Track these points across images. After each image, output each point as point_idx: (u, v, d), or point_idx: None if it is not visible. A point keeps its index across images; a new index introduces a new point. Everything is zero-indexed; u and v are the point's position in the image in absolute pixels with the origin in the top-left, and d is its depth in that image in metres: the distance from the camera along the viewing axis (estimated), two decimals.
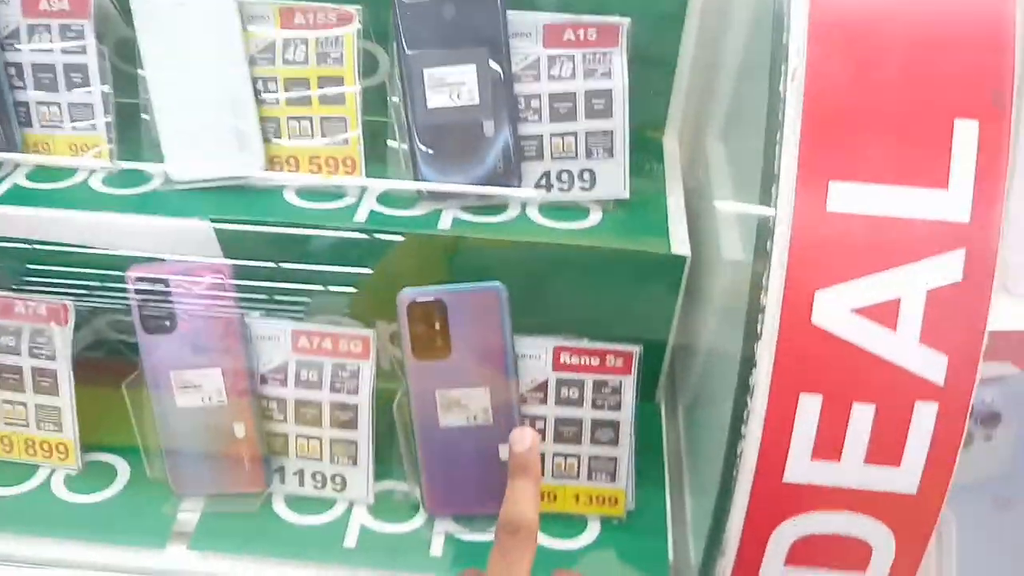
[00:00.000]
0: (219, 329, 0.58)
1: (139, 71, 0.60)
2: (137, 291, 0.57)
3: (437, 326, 0.55)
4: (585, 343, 0.57)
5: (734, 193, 0.61)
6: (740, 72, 0.64)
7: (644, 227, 0.61)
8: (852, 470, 0.45)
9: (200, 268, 0.57)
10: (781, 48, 0.44)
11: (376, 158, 0.62)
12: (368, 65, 0.62)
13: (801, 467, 0.45)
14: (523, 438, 0.48)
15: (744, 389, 0.46)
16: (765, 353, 0.44)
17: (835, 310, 0.43)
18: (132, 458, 0.63)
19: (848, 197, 0.43)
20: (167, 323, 0.57)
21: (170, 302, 0.57)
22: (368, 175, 0.62)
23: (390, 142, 0.62)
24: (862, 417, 0.44)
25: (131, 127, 0.63)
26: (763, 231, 0.45)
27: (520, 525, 0.46)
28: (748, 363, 0.45)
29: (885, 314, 0.43)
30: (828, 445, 0.45)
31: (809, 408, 0.44)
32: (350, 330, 0.58)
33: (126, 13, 0.60)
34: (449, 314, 0.55)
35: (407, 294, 0.55)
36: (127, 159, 0.64)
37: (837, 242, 0.43)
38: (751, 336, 0.45)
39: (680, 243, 0.59)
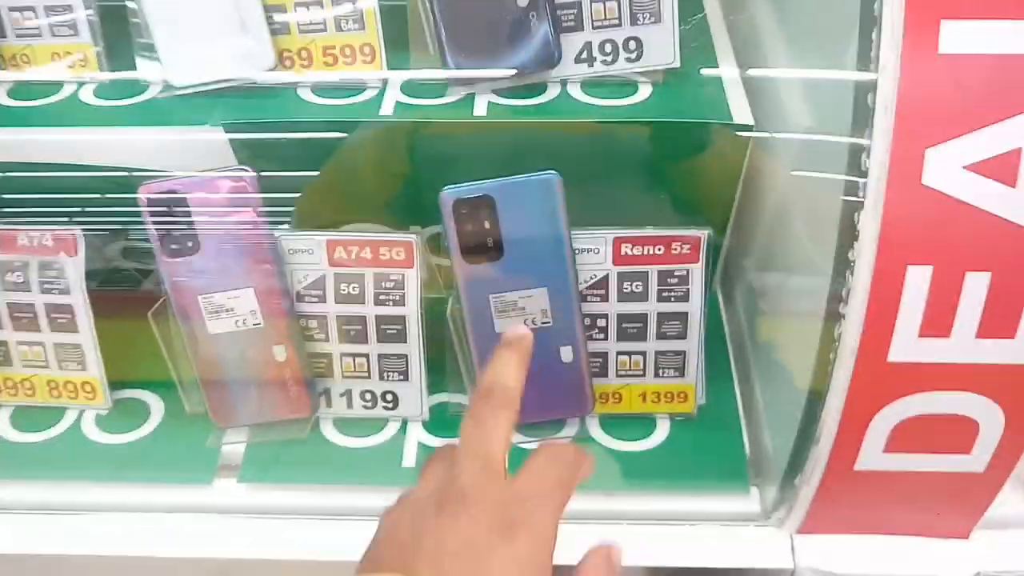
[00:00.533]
0: (247, 246, 0.53)
1: None
2: (152, 212, 0.52)
3: (487, 225, 0.51)
4: (648, 231, 0.52)
5: (794, 56, 0.56)
6: None
7: (699, 98, 0.55)
8: (963, 345, 0.42)
9: (219, 181, 0.52)
10: None
11: (397, 43, 0.56)
12: None
13: (907, 345, 0.42)
14: (516, 327, 0.47)
15: (843, 265, 0.42)
16: (869, 223, 0.40)
17: (948, 168, 0.39)
18: (164, 393, 0.59)
19: (962, 37, 0.38)
20: (189, 244, 0.52)
21: (190, 221, 0.52)
22: (389, 64, 0.56)
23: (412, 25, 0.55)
24: (976, 287, 0.40)
25: (119, 30, 0.57)
26: (862, 85, 0.39)
27: (494, 388, 0.41)
28: (847, 237, 0.41)
29: (1005, 169, 0.39)
30: (938, 320, 0.41)
31: (918, 281, 0.40)
32: (390, 236, 0.53)
33: None
34: (499, 210, 0.50)
35: (450, 192, 0.50)
36: (118, 68, 0.58)
37: (951, 90, 0.38)
38: (850, 206, 0.41)
39: (742, 111, 0.54)
